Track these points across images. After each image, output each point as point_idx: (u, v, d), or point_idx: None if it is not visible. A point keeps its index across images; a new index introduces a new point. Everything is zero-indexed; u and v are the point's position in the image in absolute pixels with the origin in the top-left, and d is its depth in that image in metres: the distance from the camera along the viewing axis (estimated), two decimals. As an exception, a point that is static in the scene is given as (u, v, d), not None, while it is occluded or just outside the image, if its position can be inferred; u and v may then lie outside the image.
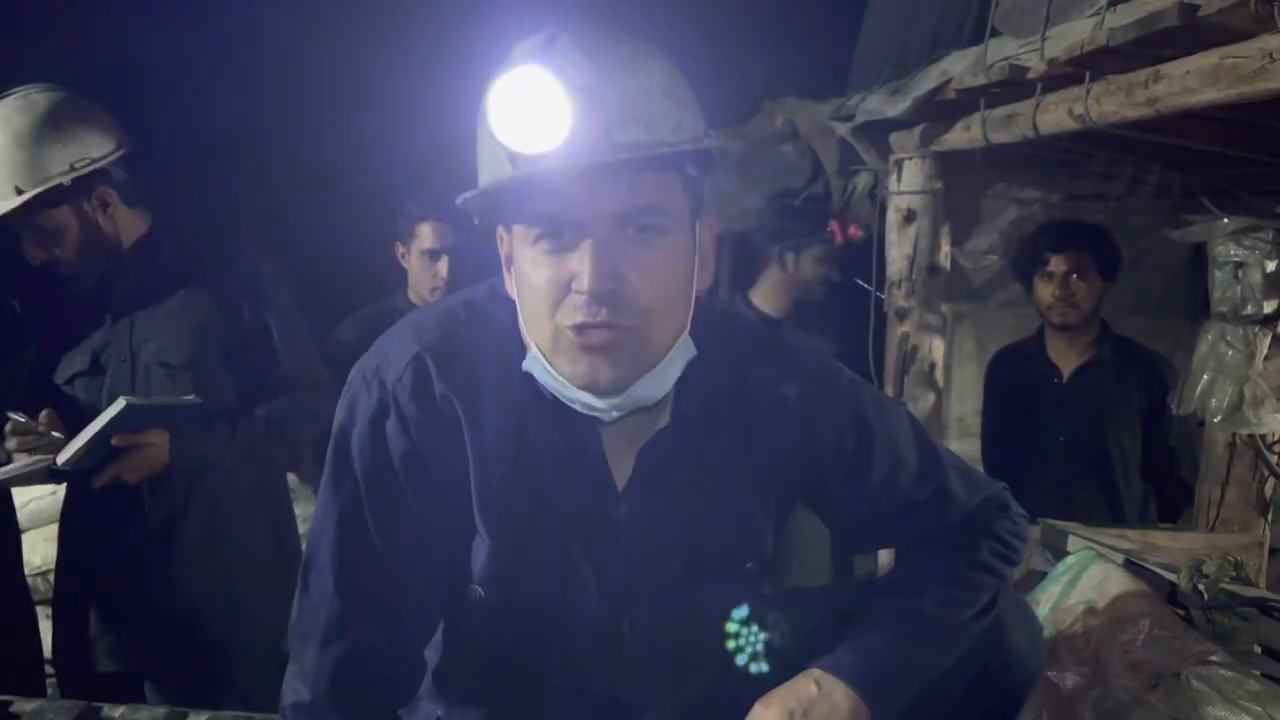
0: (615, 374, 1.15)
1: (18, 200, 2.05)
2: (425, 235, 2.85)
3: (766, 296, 3.16)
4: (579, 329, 1.13)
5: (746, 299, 3.19)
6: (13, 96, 2.10)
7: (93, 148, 2.13)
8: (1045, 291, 2.93)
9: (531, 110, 1.07)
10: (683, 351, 1.22)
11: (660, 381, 1.20)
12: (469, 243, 2.82)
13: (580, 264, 1.12)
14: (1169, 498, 3.08)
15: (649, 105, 1.12)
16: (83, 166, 2.10)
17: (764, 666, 1.35)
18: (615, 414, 1.19)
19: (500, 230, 1.23)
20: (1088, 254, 2.88)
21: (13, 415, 2.08)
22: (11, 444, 2.06)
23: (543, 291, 1.14)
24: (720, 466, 1.31)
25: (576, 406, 1.19)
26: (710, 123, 1.21)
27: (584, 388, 1.16)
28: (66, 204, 2.11)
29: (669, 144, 1.12)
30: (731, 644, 1.35)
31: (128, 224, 2.22)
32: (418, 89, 3.62)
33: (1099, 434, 2.99)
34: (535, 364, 1.20)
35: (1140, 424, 3.01)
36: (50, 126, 2.08)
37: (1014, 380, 3.09)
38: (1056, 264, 2.88)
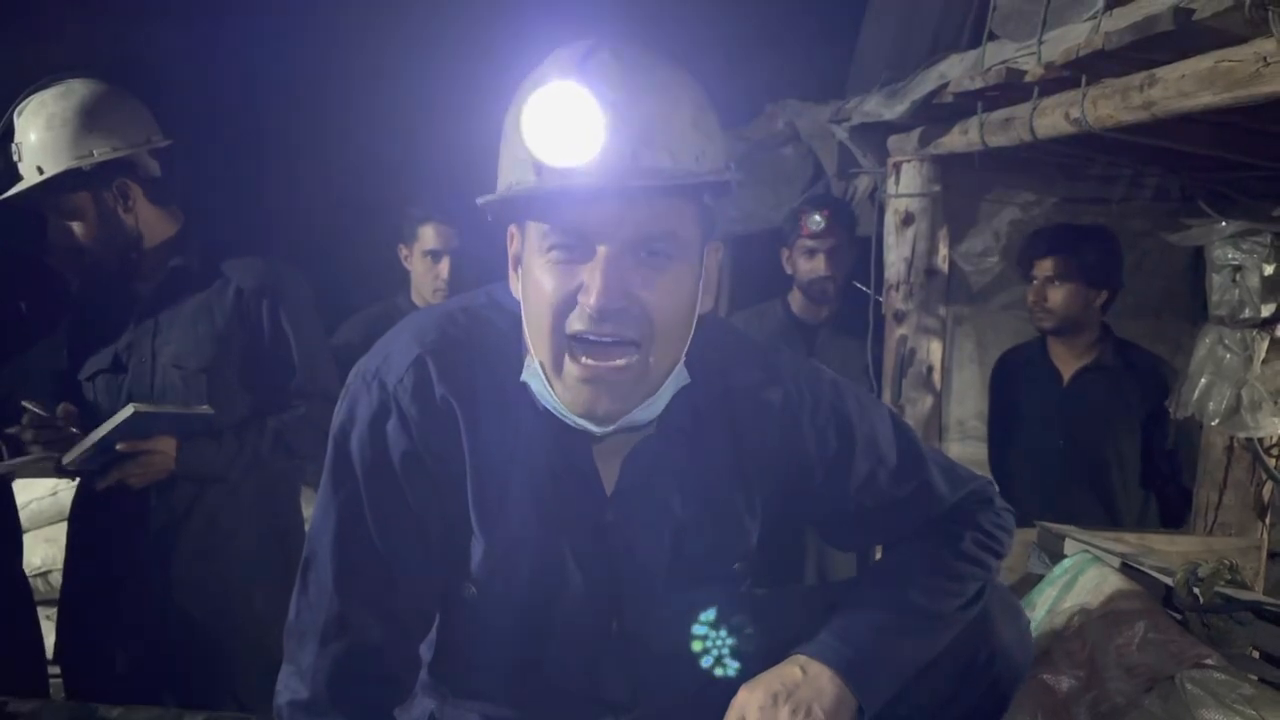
0: (612, 406, 1.18)
1: (37, 179, 2.12)
2: (427, 236, 2.85)
3: (795, 298, 3.15)
4: (583, 343, 1.15)
5: (785, 304, 3.16)
6: (57, 85, 2.16)
7: (119, 139, 2.18)
8: (1029, 296, 2.97)
9: (564, 124, 1.09)
10: (676, 379, 1.24)
11: (654, 408, 1.23)
12: (471, 244, 2.83)
13: (591, 278, 1.13)
14: (1172, 505, 3.06)
15: (676, 133, 1.14)
16: (104, 155, 2.15)
17: (730, 671, 1.36)
18: (607, 431, 1.22)
19: (512, 229, 1.25)
20: (1069, 259, 2.90)
21: (28, 406, 2.10)
22: (28, 435, 2.09)
23: (550, 299, 1.16)
24: (706, 470, 1.33)
25: (568, 421, 1.21)
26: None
27: (582, 416, 1.19)
28: (86, 189, 2.16)
29: (691, 174, 1.14)
30: (698, 646, 1.36)
31: (152, 221, 2.25)
32: (425, 95, 3.63)
33: (1098, 438, 2.98)
34: (534, 377, 1.22)
35: (1141, 429, 3.00)
36: (81, 114, 2.14)
37: (1016, 383, 3.09)
38: (1038, 268, 2.93)
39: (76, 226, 2.18)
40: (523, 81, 1.18)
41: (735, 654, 1.37)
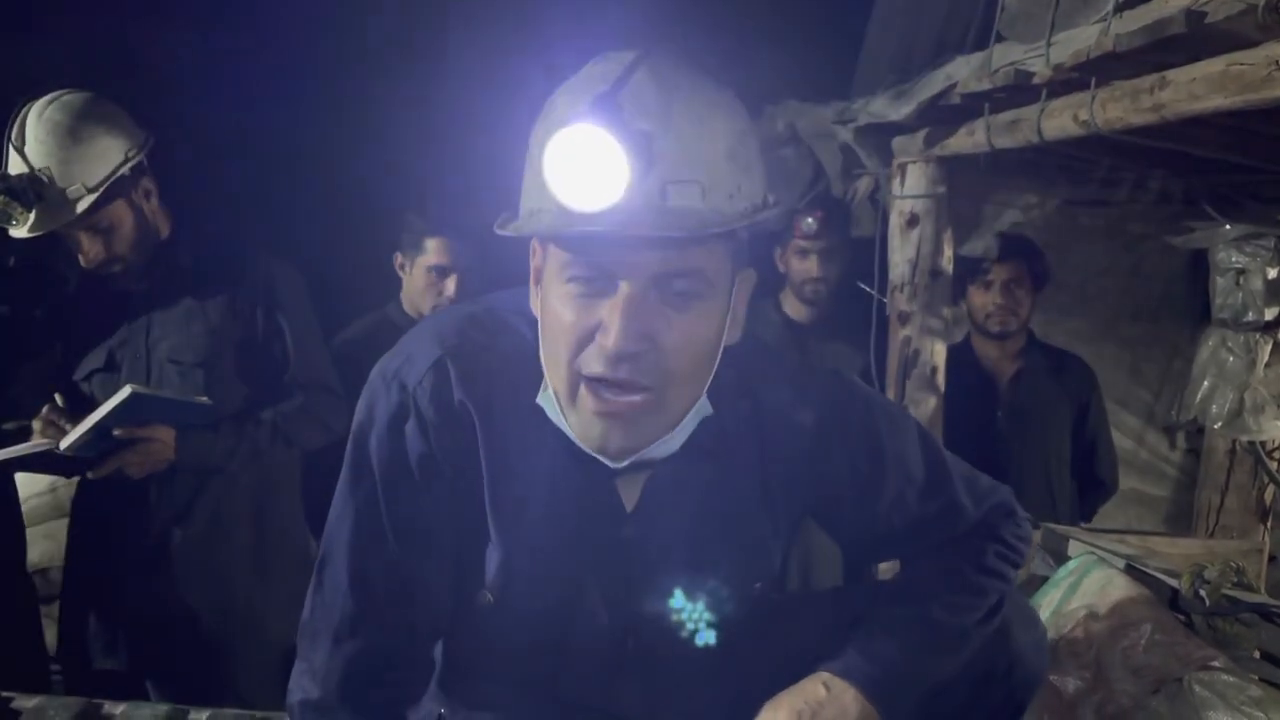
0: (626, 443, 1.15)
1: (92, 196, 2.07)
2: (434, 251, 2.75)
3: (787, 298, 3.16)
4: (597, 381, 1.11)
5: (777, 303, 3.18)
6: (43, 105, 2.10)
7: (132, 138, 2.15)
8: (985, 300, 3.01)
9: (587, 169, 1.03)
10: (698, 412, 1.21)
11: (670, 444, 1.20)
12: (478, 261, 2.75)
13: (610, 317, 1.09)
14: (1088, 496, 3.17)
15: (709, 168, 1.08)
16: (134, 155, 2.13)
17: (711, 638, 1.32)
18: (620, 466, 1.19)
19: (535, 244, 1.20)
20: (1024, 264, 2.98)
21: (59, 398, 2.09)
22: (37, 425, 2.06)
23: (566, 333, 1.12)
24: (730, 493, 1.30)
25: (584, 448, 1.18)
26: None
27: (594, 450, 1.16)
28: (122, 196, 2.13)
29: (722, 216, 1.09)
30: (676, 618, 1.32)
31: (162, 219, 2.24)
32: (435, 100, 3.60)
33: (1037, 440, 3.06)
34: (549, 405, 1.19)
35: (1069, 424, 3.10)
36: (95, 122, 2.11)
37: (949, 389, 3.10)
38: (998, 272, 2.98)
39: (115, 237, 2.13)
40: (551, 100, 1.13)
41: (712, 624, 1.33)
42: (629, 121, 1.04)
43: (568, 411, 1.16)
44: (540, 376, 1.21)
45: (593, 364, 1.11)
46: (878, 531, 1.40)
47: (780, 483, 1.32)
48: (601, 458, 1.17)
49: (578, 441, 1.17)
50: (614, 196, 1.04)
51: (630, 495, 1.28)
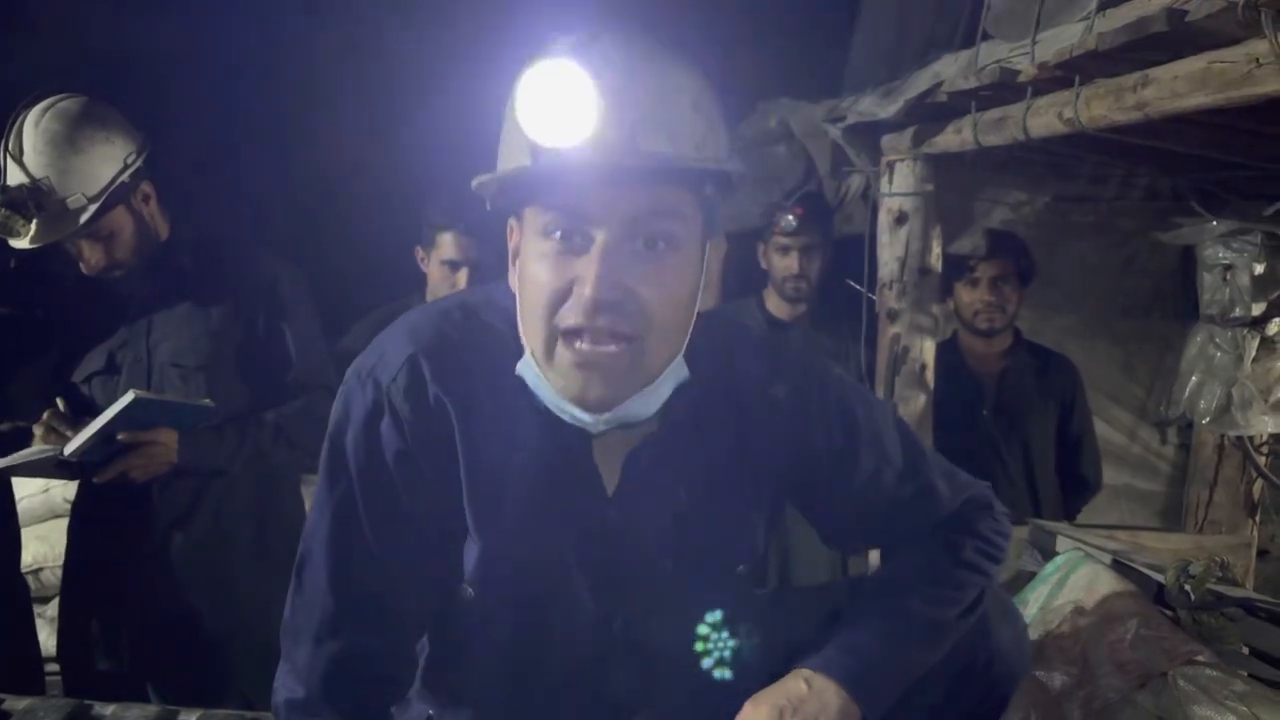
0: (606, 391, 1.16)
1: (93, 206, 2.06)
2: (446, 245, 2.77)
3: (770, 296, 3.17)
4: (576, 333, 1.13)
5: (760, 301, 3.19)
6: (39, 112, 2.08)
7: (130, 143, 2.14)
8: (972, 297, 3.02)
9: (559, 104, 1.07)
10: (675, 373, 1.22)
11: (650, 401, 1.20)
12: (490, 256, 2.77)
13: (586, 269, 1.11)
14: (1072, 494, 3.18)
15: (676, 117, 1.12)
16: (133, 160, 2.12)
17: (728, 674, 1.35)
18: (603, 427, 1.20)
19: (511, 222, 1.23)
20: (1011, 260, 2.99)
21: (60, 404, 2.09)
22: (39, 430, 2.06)
23: (545, 290, 1.14)
24: (711, 469, 1.31)
25: (565, 417, 1.20)
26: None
27: (574, 402, 1.17)
28: (122, 203, 2.12)
29: (691, 158, 1.12)
30: (701, 646, 1.35)
31: (161, 221, 2.24)
32: (444, 91, 3.60)
33: (1022, 438, 3.08)
34: (528, 369, 1.20)
35: (1054, 422, 3.11)
36: (93, 129, 2.09)
37: (937, 386, 3.10)
38: (985, 269, 2.98)
39: (116, 244, 2.13)
40: (522, 66, 1.16)
41: (736, 657, 1.35)
42: (599, 67, 1.08)
43: (546, 369, 1.17)
44: (515, 362, 1.22)
45: (571, 316, 1.13)
46: (850, 509, 1.41)
47: (759, 459, 1.33)
48: (580, 412, 1.17)
49: (558, 401, 1.18)
50: (584, 135, 1.07)
51: (611, 477, 1.29)
